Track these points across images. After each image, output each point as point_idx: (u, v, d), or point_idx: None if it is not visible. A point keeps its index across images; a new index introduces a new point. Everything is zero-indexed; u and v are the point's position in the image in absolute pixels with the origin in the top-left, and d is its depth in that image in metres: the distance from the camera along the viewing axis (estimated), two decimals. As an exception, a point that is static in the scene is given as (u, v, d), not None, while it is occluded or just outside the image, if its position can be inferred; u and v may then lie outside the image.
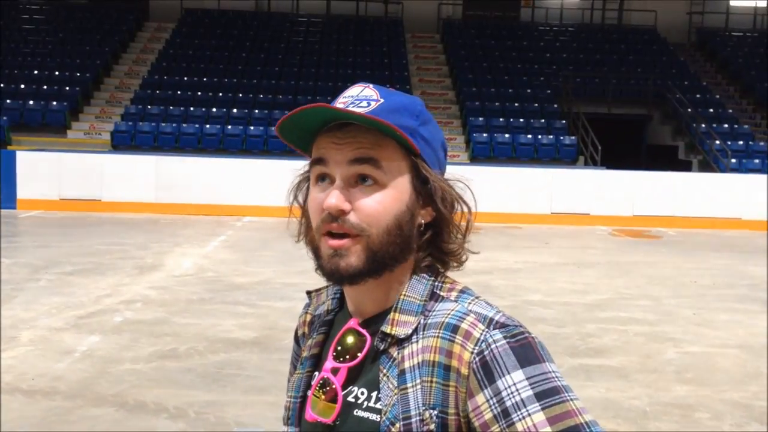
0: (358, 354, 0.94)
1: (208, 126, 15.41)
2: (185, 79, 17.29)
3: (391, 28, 20.48)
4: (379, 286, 0.96)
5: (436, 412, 0.88)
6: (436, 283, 0.96)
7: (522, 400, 0.84)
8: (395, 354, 0.92)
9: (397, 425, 0.89)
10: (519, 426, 0.83)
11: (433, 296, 0.95)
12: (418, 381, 0.89)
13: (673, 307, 7.16)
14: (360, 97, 0.94)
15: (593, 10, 21.58)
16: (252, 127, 15.47)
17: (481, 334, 0.88)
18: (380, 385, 0.92)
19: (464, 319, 0.90)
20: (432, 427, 0.88)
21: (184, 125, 15.37)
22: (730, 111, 17.65)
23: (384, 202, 0.91)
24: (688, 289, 8.08)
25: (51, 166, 12.95)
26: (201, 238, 10.50)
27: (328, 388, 0.95)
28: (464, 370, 0.87)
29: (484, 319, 0.90)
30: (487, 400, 0.85)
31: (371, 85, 0.96)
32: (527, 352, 0.87)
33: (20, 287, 7.07)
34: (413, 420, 0.89)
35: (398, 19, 20.83)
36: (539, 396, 0.84)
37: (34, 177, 12.90)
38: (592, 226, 13.26)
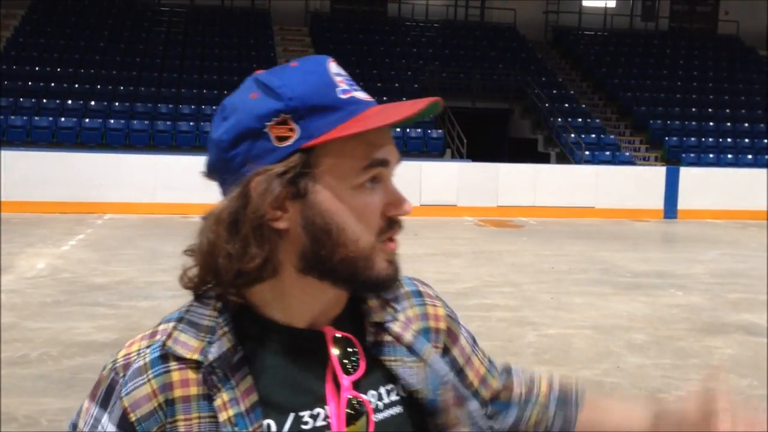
0: (354, 359, 0.83)
1: (63, 119, 14.57)
2: (37, 69, 16.25)
3: (259, 20, 20.17)
4: None
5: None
6: None
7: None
8: (388, 338, 0.87)
9: (448, 389, 0.87)
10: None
11: None
12: (428, 345, 0.90)
13: (533, 292, 7.50)
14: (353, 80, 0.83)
15: (457, 6, 22.19)
16: (112, 120, 14.78)
17: (432, 291, 0.97)
18: (398, 373, 0.85)
19: (414, 283, 0.96)
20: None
21: (36, 118, 14.46)
22: (584, 106, 18.71)
23: None
24: (547, 275, 8.49)
25: None
26: (56, 238, 9.92)
27: (355, 404, 0.82)
28: (443, 325, 0.94)
29: (424, 282, 0.98)
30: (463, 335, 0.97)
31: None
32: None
33: None
34: (450, 376, 0.89)
35: (266, 11, 20.55)
36: None
37: None
38: (459, 217, 13.67)
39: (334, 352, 0.82)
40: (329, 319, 0.84)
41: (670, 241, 12.69)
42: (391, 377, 0.85)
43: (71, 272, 7.74)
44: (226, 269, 0.79)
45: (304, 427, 0.80)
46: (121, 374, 0.81)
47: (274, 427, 0.80)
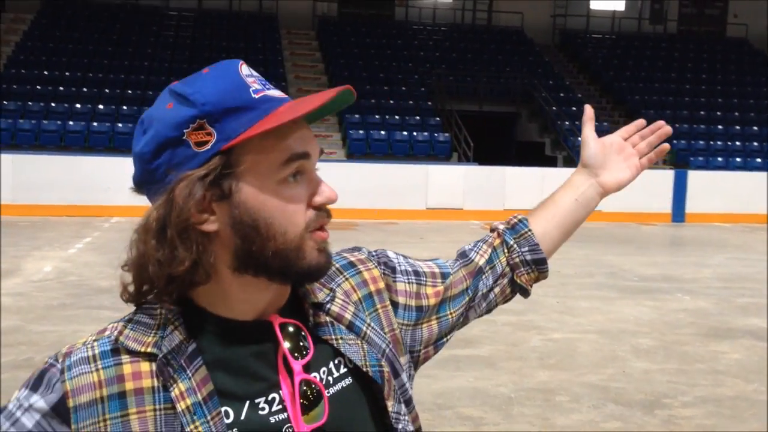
0: (304, 342, 0.86)
1: (71, 123, 14.64)
2: (45, 73, 16.33)
3: (266, 24, 20.21)
4: None
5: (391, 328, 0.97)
6: None
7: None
8: (327, 318, 0.90)
9: (384, 363, 0.91)
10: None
11: None
12: (368, 320, 0.94)
13: (538, 296, 7.47)
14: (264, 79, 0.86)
15: (464, 10, 22.18)
16: (120, 124, 14.82)
17: (366, 253, 1.03)
18: (341, 350, 0.89)
19: (343, 256, 1.00)
20: (398, 336, 0.98)
21: (44, 122, 14.53)
22: (591, 109, 18.63)
23: None
24: (553, 278, 8.36)
25: None
26: (64, 241, 9.96)
27: (309, 395, 0.84)
28: (381, 284, 0.99)
29: (356, 248, 1.04)
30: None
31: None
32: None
33: None
34: (387, 351, 0.94)
35: (273, 15, 20.60)
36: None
37: None
38: (465, 220, 13.63)
39: (283, 339, 0.85)
40: (275, 309, 0.87)
41: (677, 245, 12.63)
42: (337, 351, 0.89)
43: (77, 275, 7.76)
44: (157, 276, 0.80)
45: (261, 412, 0.83)
46: (61, 360, 0.83)
47: (231, 413, 0.82)
